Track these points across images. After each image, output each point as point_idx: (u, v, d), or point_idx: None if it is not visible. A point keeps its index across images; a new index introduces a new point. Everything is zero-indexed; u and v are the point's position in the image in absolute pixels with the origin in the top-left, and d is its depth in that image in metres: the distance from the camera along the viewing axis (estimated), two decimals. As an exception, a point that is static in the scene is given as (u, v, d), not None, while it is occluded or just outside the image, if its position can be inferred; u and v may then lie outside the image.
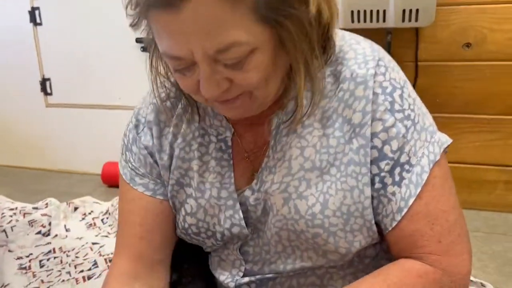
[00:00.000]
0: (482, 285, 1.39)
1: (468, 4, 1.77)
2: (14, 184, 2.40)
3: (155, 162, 0.74)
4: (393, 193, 0.63)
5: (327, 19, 0.60)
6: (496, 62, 1.81)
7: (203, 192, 0.71)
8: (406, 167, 0.63)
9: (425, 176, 0.63)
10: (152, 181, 0.75)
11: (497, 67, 1.81)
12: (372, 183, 0.64)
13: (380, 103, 0.62)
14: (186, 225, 0.74)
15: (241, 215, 0.70)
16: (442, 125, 1.88)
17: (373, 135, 0.63)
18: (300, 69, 0.59)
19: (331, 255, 0.67)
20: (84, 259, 1.62)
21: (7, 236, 1.74)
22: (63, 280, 1.50)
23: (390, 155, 0.63)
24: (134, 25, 0.59)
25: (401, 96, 0.63)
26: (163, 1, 0.51)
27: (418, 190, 0.63)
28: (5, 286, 1.46)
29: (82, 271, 1.55)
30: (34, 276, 1.53)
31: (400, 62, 1.90)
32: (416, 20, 1.68)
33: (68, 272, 1.54)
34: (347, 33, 0.69)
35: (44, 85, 2.57)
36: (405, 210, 0.63)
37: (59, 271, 1.55)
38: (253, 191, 0.69)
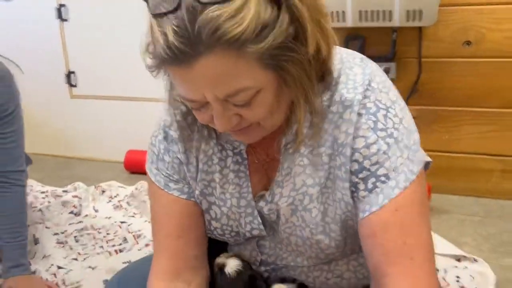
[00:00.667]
0: (475, 260, 1.54)
1: (468, 5, 1.90)
2: (42, 170, 2.55)
3: (185, 171, 0.81)
4: (363, 197, 0.69)
5: (325, 53, 0.64)
6: (494, 59, 1.94)
7: (224, 201, 0.81)
8: (382, 178, 0.67)
9: (397, 192, 0.67)
10: (186, 186, 0.82)
11: (495, 63, 1.94)
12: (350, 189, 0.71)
13: (363, 122, 0.68)
14: (212, 228, 0.84)
15: (260, 221, 0.80)
16: (443, 118, 2.04)
17: (355, 150, 0.68)
18: (301, 103, 0.65)
19: (332, 254, 0.79)
20: (115, 235, 1.79)
21: (43, 215, 1.91)
22: (98, 253, 1.66)
23: (368, 167, 0.68)
24: (152, 71, 0.65)
25: (385, 116, 0.68)
26: (176, 60, 0.57)
27: (385, 202, 0.67)
28: (47, 256, 1.62)
29: (114, 245, 1.71)
30: (71, 249, 1.70)
31: (404, 58, 2.05)
32: (420, 19, 1.81)
33: (101, 246, 1.71)
34: (344, 54, 0.73)
35: (69, 78, 2.73)
36: (366, 213, 0.68)
37: (93, 245, 1.72)
38: (267, 202, 0.78)
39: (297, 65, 0.61)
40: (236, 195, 0.80)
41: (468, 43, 1.95)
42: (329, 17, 0.66)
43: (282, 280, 0.88)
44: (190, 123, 0.78)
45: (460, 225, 1.85)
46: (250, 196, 0.80)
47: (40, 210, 1.92)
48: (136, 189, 2.14)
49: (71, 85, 2.75)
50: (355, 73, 0.71)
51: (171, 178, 0.82)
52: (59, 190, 2.17)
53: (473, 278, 1.45)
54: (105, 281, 1.46)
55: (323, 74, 0.69)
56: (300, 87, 0.63)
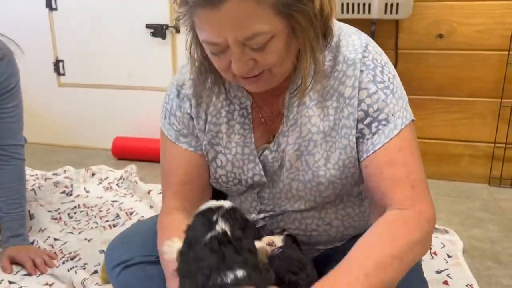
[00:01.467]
0: (446, 231, 1.68)
1: (440, 1, 2.05)
2: (31, 157, 2.53)
3: (194, 125, 0.92)
4: (368, 139, 0.81)
5: (328, 12, 0.75)
6: (465, 51, 2.09)
7: (230, 149, 0.91)
8: (383, 122, 0.80)
9: (395, 132, 0.79)
10: (194, 139, 0.93)
11: (465, 55, 2.10)
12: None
13: (364, 77, 0.80)
14: (217, 176, 0.94)
15: (261, 167, 0.91)
16: (417, 106, 2.19)
17: (360, 101, 0.81)
18: (307, 53, 0.76)
19: (327, 198, 0.90)
20: (107, 213, 1.85)
21: (35, 194, 1.95)
22: (92, 228, 1.73)
23: (371, 113, 0.80)
24: (179, 20, 0.77)
25: (381, 71, 0.81)
26: (207, 2, 0.68)
27: (386, 140, 0.79)
28: (43, 230, 1.68)
29: (107, 221, 1.78)
30: (65, 224, 1.76)
31: (382, 49, 2.17)
32: (397, 12, 1.95)
33: (95, 222, 1.78)
34: (342, 24, 0.87)
35: (58, 66, 2.77)
36: (370, 152, 0.80)
37: (87, 221, 1.78)
38: (271, 151, 0.89)
39: (305, 16, 0.72)
40: (240, 144, 0.91)
41: (441, 36, 2.10)
42: None
43: (271, 233, 0.98)
44: (202, 81, 0.89)
45: (434, 204, 1.98)
46: (253, 146, 0.91)
47: (32, 189, 1.97)
48: (126, 171, 2.20)
49: (59, 74, 2.79)
50: (353, 39, 0.84)
51: (181, 132, 0.93)
52: (49, 173, 2.21)
53: (444, 245, 1.58)
54: (101, 251, 1.52)
55: (325, 32, 0.79)
56: (307, 38, 0.74)
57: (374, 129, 0.81)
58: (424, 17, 2.08)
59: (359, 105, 0.81)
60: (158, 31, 2.50)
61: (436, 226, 1.68)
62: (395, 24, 2.12)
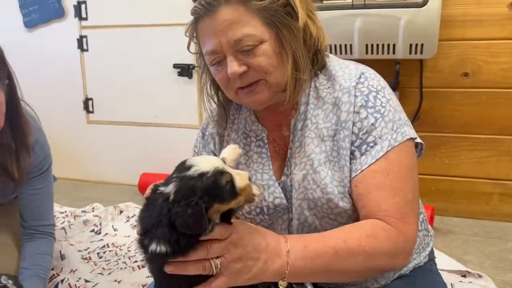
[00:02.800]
0: (479, 275, 1.64)
1: (465, 40, 2.06)
2: (59, 192, 2.59)
3: None
4: (357, 159, 0.88)
5: (315, 34, 0.89)
6: (491, 89, 2.09)
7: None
8: (371, 144, 0.87)
9: (381, 154, 0.86)
10: None
11: (491, 93, 2.09)
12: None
13: (358, 102, 0.88)
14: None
15: (280, 190, 0.95)
16: (443, 143, 2.18)
17: (354, 124, 0.88)
18: (289, 60, 0.87)
19: (341, 218, 0.91)
20: (136, 252, 1.87)
21: (66, 233, 1.99)
22: (121, 268, 1.74)
23: (361, 136, 0.87)
24: (188, 34, 0.93)
25: (375, 97, 0.89)
26: (206, 11, 0.85)
27: (372, 161, 0.86)
28: (74, 271, 1.70)
29: (136, 261, 1.79)
30: (95, 264, 1.78)
31: (406, 88, 2.20)
32: (421, 52, 1.96)
33: (124, 262, 1.79)
34: (340, 59, 0.97)
35: (87, 104, 2.86)
36: (358, 172, 0.87)
37: (116, 261, 1.80)
38: (287, 175, 0.95)
39: (288, 29, 0.86)
40: (259, 171, 0.97)
41: (466, 74, 2.10)
42: (316, 14, 0.92)
43: None
44: (219, 123, 1.02)
45: (463, 245, 1.95)
46: (271, 172, 0.97)
47: (63, 228, 2.00)
48: None
49: (88, 111, 2.88)
50: (350, 69, 0.94)
51: None
52: (78, 211, 2.25)
53: (477, 291, 1.54)
54: (131, 294, 1.54)
55: (315, 53, 0.92)
56: (290, 50, 0.87)
57: (363, 150, 0.88)
58: (449, 56, 2.10)
59: (353, 128, 0.88)
60: (185, 70, 2.58)
61: (469, 270, 1.65)
62: (419, 63, 2.13)
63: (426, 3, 1.83)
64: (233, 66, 0.86)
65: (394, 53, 1.98)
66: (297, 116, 0.93)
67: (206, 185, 0.69)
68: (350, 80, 0.91)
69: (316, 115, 0.92)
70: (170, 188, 0.70)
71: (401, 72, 2.11)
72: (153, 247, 0.69)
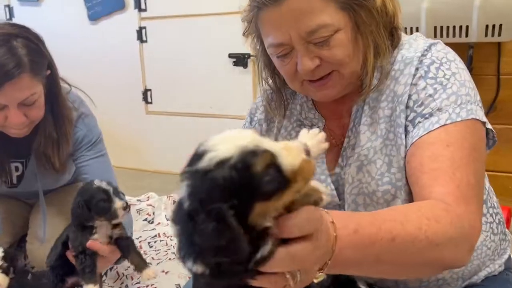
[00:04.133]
0: None
1: (553, 19, 1.81)
2: (117, 181, 2.70)
3: None
4: (409, 132, 0.76)
5: (392, 10, 0.79)
6: None
7: None
8: (426, 116, 0.75)
9: (437, 126, 0.72)
10: None
11: None
12: None
13: (417, 73, 0.77)
14: None
15: (333, 187, 0.86)
16: (524, 136, 1.92)
17: (409, 97, 0.77)
18: (371, 46, 0.77)
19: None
20: (186, 243, 1.84)
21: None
22: (170, 259, 1.72)
23: (415, 108, 0.76)
24: (245, 33, 0.84)
25: (437, 68, 0.77)
26: (271, 1, 0.73)
27: (424, 133, 0.73)
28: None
29: (185, 252, 1.76)
30: (145, 254, 1.77)
31: (481, 75, 1.98)
32: (499, 34, 1.74)
33: (173, 253, 1.77)
34: (412, 34, 0.85)
35: (146, 95, 2.90)
36: (409, 145, 0.75)
37: (166, 251, 1.79)
38: (342, 167, 0.85)
39: (366, 11, 0.75)
40: None
41: (552, 59, 1.85)
42: None
43: None
44: (273, 108, 0.92)
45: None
46: (324, 166, 0.86)
47: (117, 216, 2.02)
48: None
49: (147, 102, 2.91)
50: (418, 42, 0.82)
51: None
52: (134, 199, 2.27)
53: None
54: (177, 285, 1.50)
55: (391, 31, 0.81)
56: (370, 34, 0.77)
57: (416, 123, 0.76)
58: (532, 38, 1.85)
59: (408, 101, 0.77)
60: (240, 60, 2.52)
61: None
62: (496, 47, 1.91)
63: (505, -23, 1.63)
64: (306, 62, 0.76)
65: (467, 35, 1.78)
66: (360, 103, 0.84)
67: (231, 179, 0.45)
68: (415, 51, 0.80)
69: (374, 98, 0.82)
70: (182, 191, 0.48)
71: (475, 58, 1.90)
72: (188, 264, 0.49)
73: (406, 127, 0.77)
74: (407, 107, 0.77)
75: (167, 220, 2.08)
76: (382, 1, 0.77)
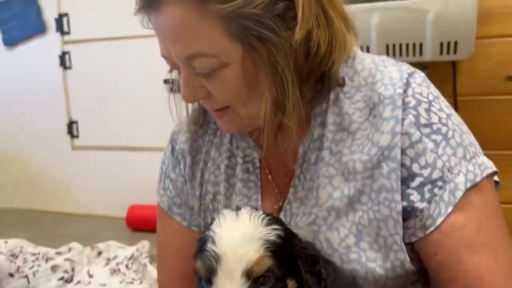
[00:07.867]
0: None
1: (508, 37, 1.73)
2: (38, 228, 2.39)
3: (188, 192, 0.77)
4: (421, 211, 0.60)
5: (325, 49, 0.59)
6: (541, 95, 1.74)
7: None
8: (439, 183, 0.59)
9: (459, 195, 0.59)
10: (188, 212, 0.77)
11: (541, 100, 1.74)
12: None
13: (405, 118, 0.61)
14: None
15: None
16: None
17: (402, 152, 0.61)
18: (266, 96, 0.58)
19: None
20: (110, 308, 1.53)
21: (28, 282, 1.68)
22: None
23: (419, 171, 0.60)
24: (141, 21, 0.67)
25: (427, 110, 0.61)
26: (147, 4, 0.59)
27: (450, 209, 0.59)
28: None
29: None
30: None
31: (438, 96, 1.82)
32: (455, 53, 1.63)
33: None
34: (375, 57, 0.69)
35: (71, 128, 2.61)
36: (431, 228, 0.59)
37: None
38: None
39: (271, 48, 0.56)
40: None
41: (510, 78, 1.76)
42: (343, 10, 0.62)
43: None
44: (200, 135, 0.76)
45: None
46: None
47: (25, 276, 1.69)
48: (137, 250, 1.93)
49: (73, 136, 2.61)
50: (390, 71, 0.66)
51: (174, 200, 0.79)
52: (52, 252, 1.96)
53: None
54: None
55: (322, 76, 0.62)
56: (272, 78, 0.57)
57: (427, 195, 0.60)
58: (487, 57, 1.76)
59: (402, 158, 0.61)
60: (178, 85, 2.28)
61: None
62: (452, 66, 1.81)
63: (460, -9, 1.52)
64: (187, 92, 0.62)
65: (421, 54, 1.65)
66: (309, 143, 0.67)
67: None
68: (393, 86, 0.63)
69: (338, 142, 0.65)
70: None
71: (430, 78, 1.77)
72: None
73: (408, 196, 0.61)
74: (402, 165, 0.60)
75: (90, 277, 1.76)
76: (306, 36, 0.57)
